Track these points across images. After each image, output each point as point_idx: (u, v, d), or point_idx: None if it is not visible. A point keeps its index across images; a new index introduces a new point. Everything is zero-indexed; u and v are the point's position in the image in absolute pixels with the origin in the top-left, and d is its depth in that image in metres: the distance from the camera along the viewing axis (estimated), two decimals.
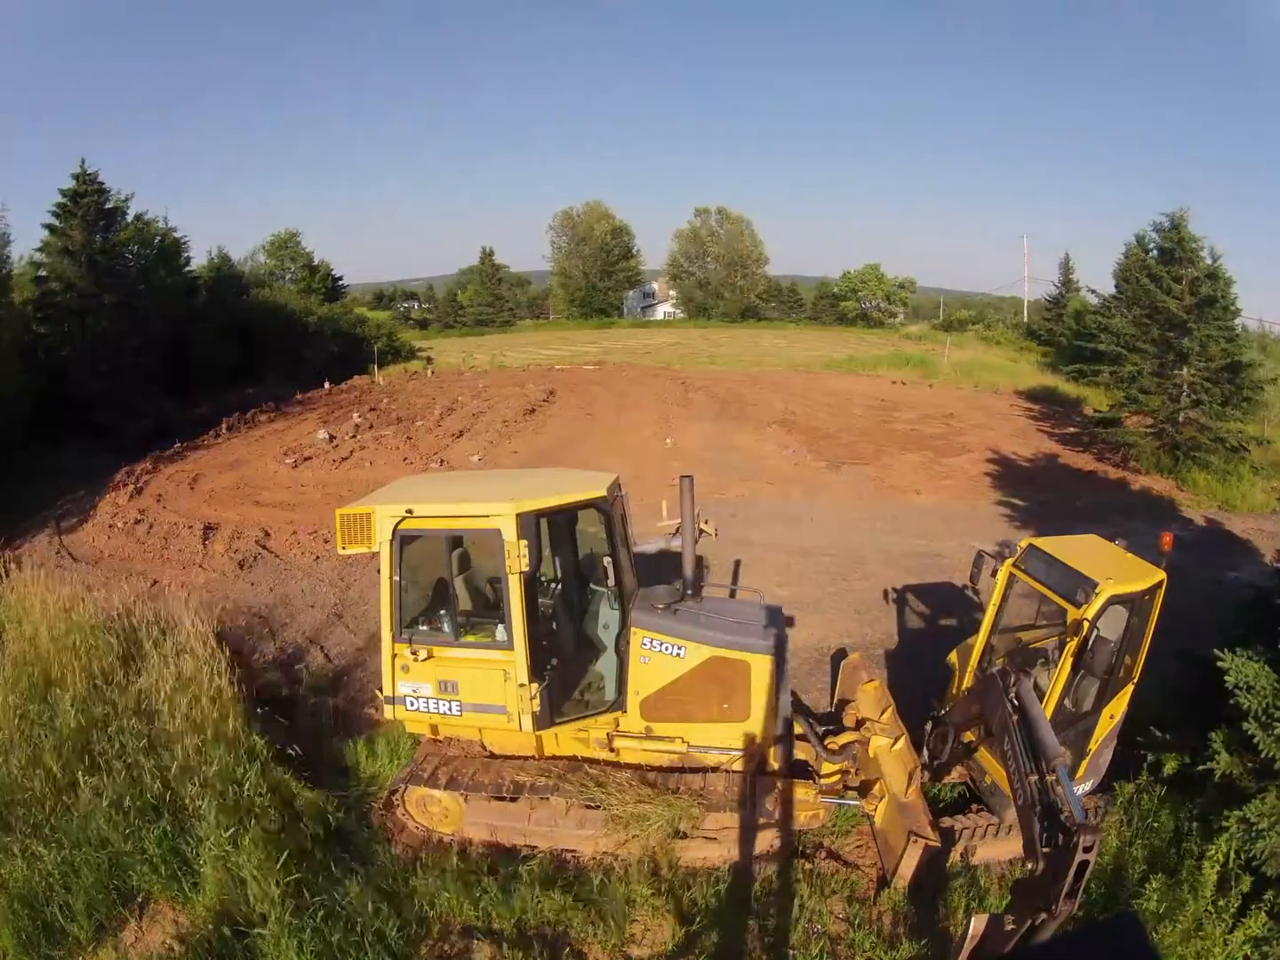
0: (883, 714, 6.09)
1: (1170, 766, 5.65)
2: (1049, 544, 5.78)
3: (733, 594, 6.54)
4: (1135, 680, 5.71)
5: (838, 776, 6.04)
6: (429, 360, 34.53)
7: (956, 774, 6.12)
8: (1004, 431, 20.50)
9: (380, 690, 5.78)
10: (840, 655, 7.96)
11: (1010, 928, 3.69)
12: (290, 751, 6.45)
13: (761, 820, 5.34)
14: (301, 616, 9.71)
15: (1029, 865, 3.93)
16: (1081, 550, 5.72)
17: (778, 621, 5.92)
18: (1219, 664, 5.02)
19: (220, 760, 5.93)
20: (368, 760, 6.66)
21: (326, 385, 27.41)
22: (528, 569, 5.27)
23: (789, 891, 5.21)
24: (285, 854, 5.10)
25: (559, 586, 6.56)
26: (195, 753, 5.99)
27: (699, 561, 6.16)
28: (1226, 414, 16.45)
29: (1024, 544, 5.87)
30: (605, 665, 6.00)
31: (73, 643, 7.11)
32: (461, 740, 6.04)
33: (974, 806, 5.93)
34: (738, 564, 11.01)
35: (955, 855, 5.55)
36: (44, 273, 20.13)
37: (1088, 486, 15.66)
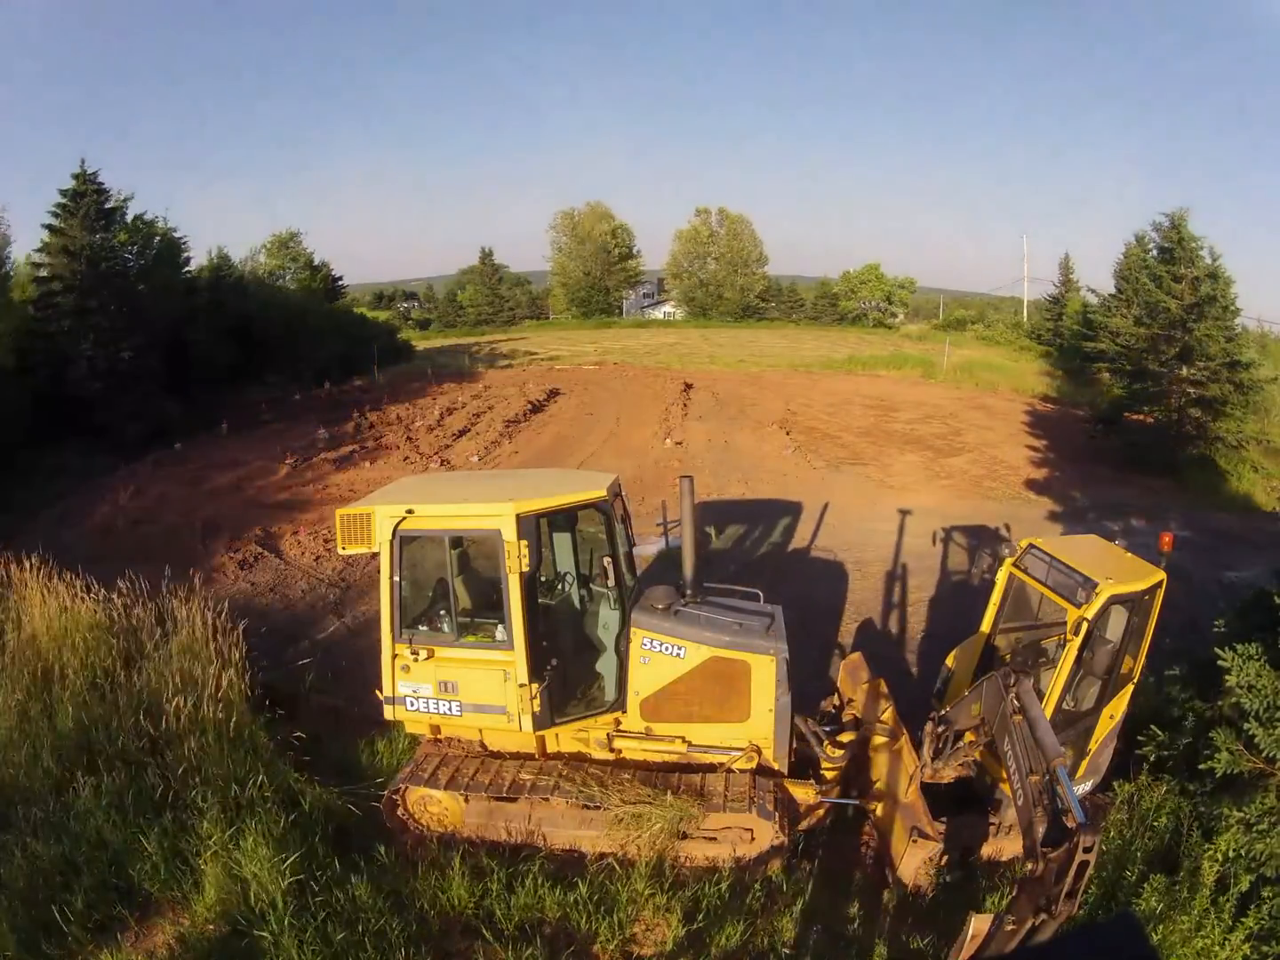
0: (883, 714, 6.09)
1: (1170, 766, 5.65)
2: (1049, 544, 5.78)
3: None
4: (1135, 680, 5.71)
5: (838, 776, 6.05)
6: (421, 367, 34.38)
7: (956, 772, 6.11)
8: (1004, 431, 20.50)
9: (380, 690, 5.78)
10: (842, 654, 7.96)
11: (1010, 928, 3.70)
12: (291, 751, 6.45)
13: (762, 820, 5.34)
14: (302, 616, 9.71)
15: (1029, 865, 3.93)
16: (1081, 550, 5.72)
17: (778, 621, 5.91)
18: (1220, 663, 5.02)
19: (223, 759, 5.93)
20: (368, 760, 6.67)
21: (327, 385, 27.41)
22: (528, 569, 5.28)
23: (790, 891, 5.21)
24: (288, 853, 5.10)
25: (559, 587, 6.57)
26: (198, 752, 5.98)
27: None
28: (1226, 413, 16.46)
29: (1024, 544, 5.87)
30: (605, 665, 5.99)
31: (73, 642, 7.10)
32: (461, 740, 6.04)
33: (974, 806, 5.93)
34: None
35: (955, 855, 5.55)
36: (44, 273, 20.12)
37: (1088, 486, 15.65)
